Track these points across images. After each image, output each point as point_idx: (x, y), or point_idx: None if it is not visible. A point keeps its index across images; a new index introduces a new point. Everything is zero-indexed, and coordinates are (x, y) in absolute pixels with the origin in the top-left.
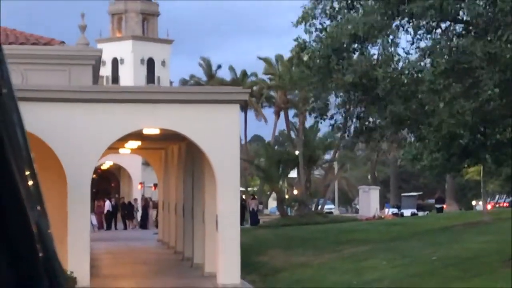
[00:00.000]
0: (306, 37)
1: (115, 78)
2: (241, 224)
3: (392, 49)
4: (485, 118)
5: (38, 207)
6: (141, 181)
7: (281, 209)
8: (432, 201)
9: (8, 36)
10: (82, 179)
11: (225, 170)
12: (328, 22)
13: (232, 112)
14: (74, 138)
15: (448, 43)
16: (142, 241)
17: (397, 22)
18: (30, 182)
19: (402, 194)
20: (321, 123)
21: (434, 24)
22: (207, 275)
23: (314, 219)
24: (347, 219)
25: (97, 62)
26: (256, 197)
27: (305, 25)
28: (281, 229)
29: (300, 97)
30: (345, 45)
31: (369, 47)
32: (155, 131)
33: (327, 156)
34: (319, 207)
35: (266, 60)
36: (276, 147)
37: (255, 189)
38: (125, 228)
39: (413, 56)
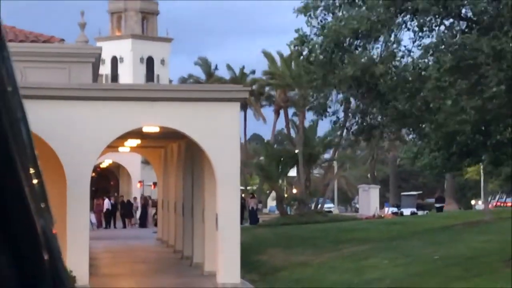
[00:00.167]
0: (307, 30)
1: (115, 77)
2: (241, 223)
3: (395, 45)
4: (487, 117)
5: (43, 205)
6: (140, 180)
7: (281, 208)
8: (431, 200)
9: (7, 33)
10: (82, 177)
11: (225, 168)
12: (329, 19)
13: (233, 111)
14: (74, 136)
15: (453, 40)
16: (141, 239)
17: (399, 19)
18: (35, 181)
19: (402, 193)
20: (322, 119)
21: (438, 21)
22: (206, 274)
23: (314, 218)
24: (347, 218)
25: (97, 60)
26: (255, 196)
27: (306, 16)
28: (281, 228)
29: (300, 95)
30: (347, 40)
31: (371, 43)
32: (155, 129)
33: (327, 155)
34: (319, 206)
35: (268, 56)
36: (275, 146)
37: (255, 188)
38: (124, 226)
39: (416, 54)
